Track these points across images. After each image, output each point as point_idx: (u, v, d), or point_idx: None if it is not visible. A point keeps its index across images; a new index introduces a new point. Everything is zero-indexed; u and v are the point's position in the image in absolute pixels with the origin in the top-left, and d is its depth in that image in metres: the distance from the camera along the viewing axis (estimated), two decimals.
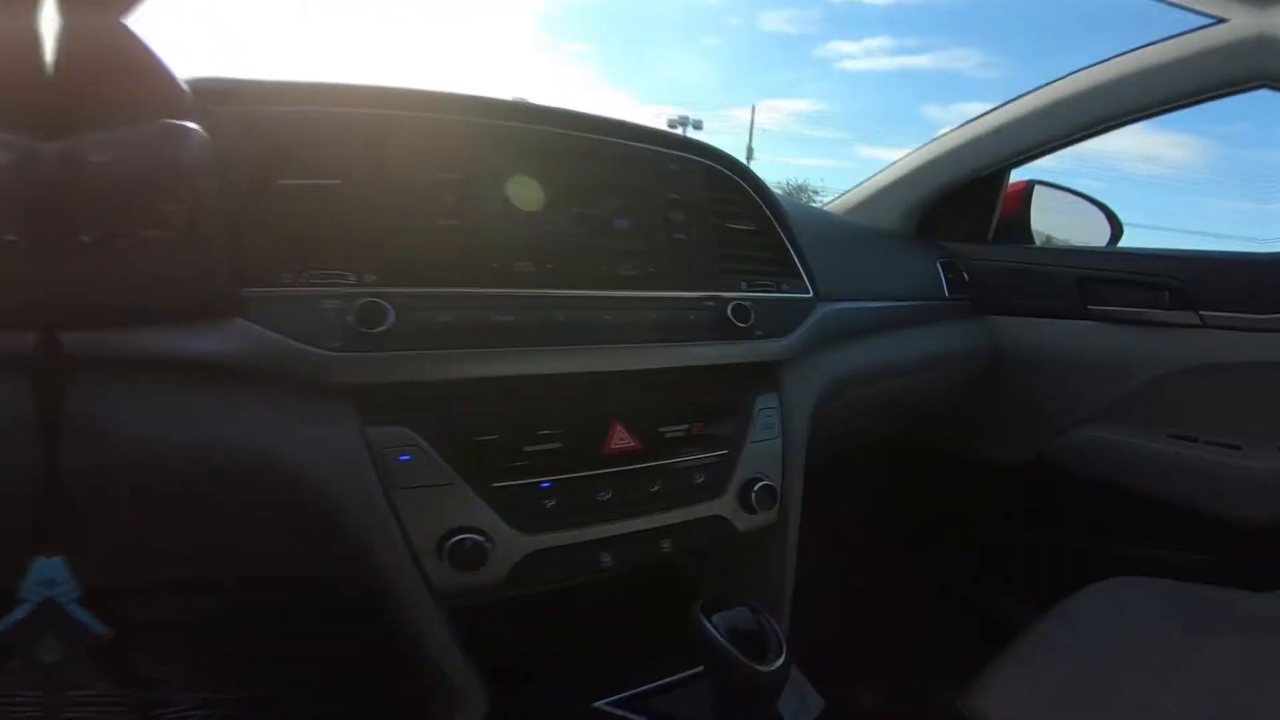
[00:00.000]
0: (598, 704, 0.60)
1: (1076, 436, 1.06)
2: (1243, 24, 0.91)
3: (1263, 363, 0.94)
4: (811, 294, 0.75)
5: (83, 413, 0.44)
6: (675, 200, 0.66)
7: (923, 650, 1.08)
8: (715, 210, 0.69)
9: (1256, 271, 0.98)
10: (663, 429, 0.60)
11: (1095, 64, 1.03)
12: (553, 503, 0.55)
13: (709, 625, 0.51)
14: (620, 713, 0.61)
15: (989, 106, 1.12)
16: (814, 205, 1.31)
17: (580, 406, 0.57)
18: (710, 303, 0.65)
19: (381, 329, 0.48)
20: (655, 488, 0.59)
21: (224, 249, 0.46)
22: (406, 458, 0.50)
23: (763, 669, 0.49)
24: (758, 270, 0.71)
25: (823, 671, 0.69)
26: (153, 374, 0.45)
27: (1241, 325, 0.95)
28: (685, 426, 0.61)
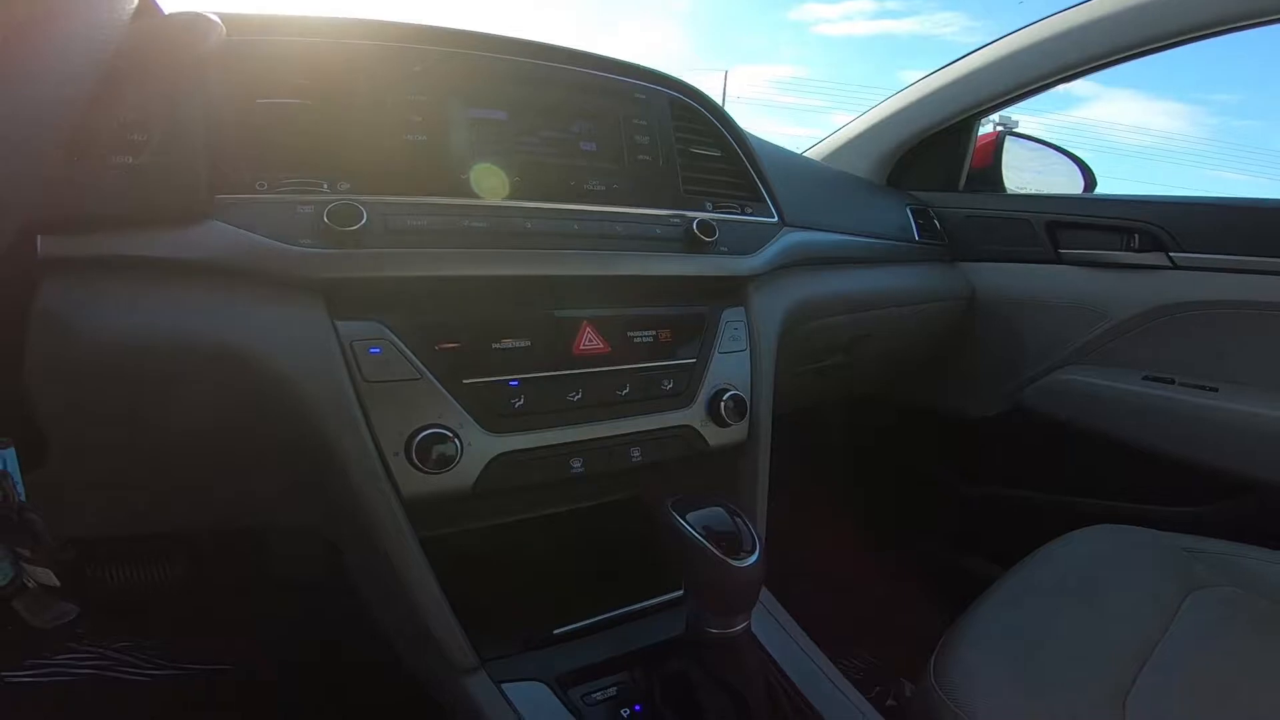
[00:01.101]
0: (558, 630, 0.61)
1: (1052, 380, 1.09)
2: None
3: (1236, 301, 0.97)
4: (777, 219, 0.77)
5: (52, 308, 0.45)
6: (641, 126, 0.69)
7: (900, 607, 1.09)
8: (680, 137, 0.72)
9: (1225, 215, 1.01)
10: (631, 334, 0.61)
11: (1059, 11, 1.05)
12: (521, 401, 0.56)
13: (682, 520, 0.51)
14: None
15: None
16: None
17: (549, 309, 0.59)
18: (676, 220, 0.67)
19: (355, 228, 0.50)
20: (624, 391, 0.60)
21: (203, 160, 0.48)
22: (376, 350, 0.51)
23: (737, 563, 0.49)
24: (723, 193, 0.74)
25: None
26: (124, 272, 0.47)
27: (1211, 266, 0.98)
28: (653, 333, 0.62)
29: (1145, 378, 1.02)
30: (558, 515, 0.70)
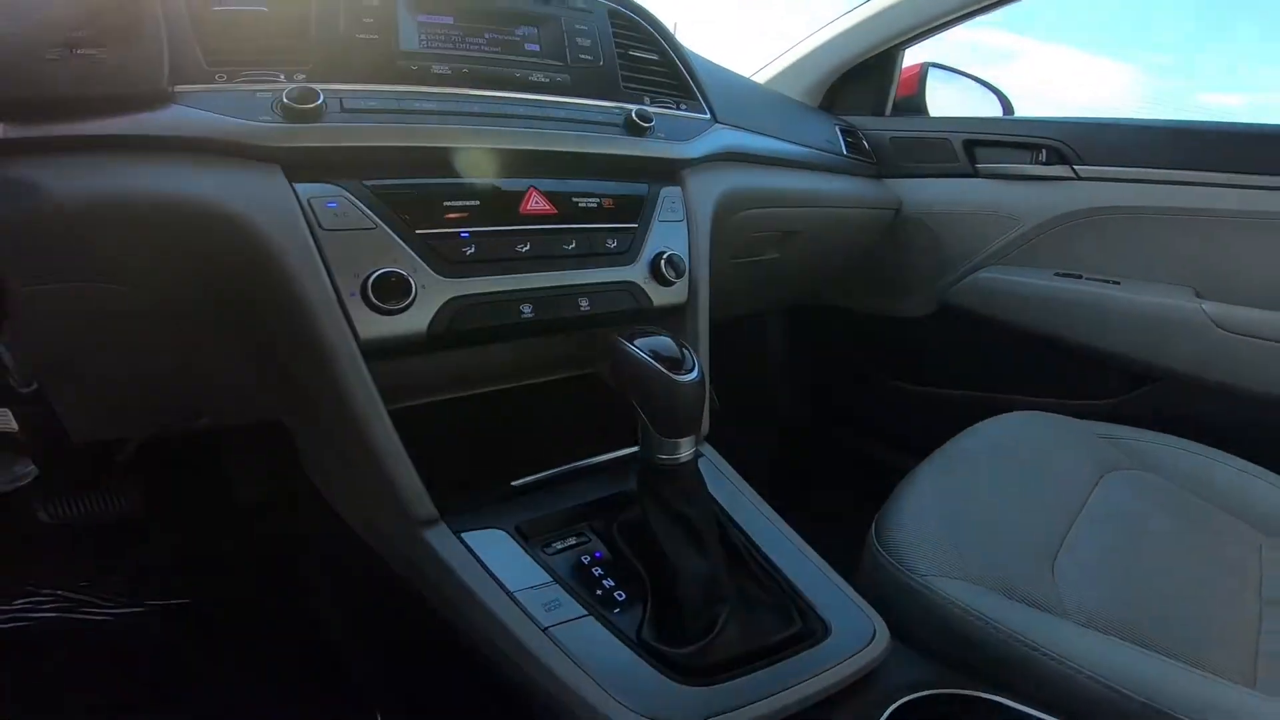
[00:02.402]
0: (516, 482, 0.65)
1: (974, 280, 1.20)
2: None
3: (1132, 207, 1.08)
4: (709, 116, 0.86)
5: (15, 175, 0.48)
6: (582, 30, 0.76)
7: (838, 492, 1.19)
8: (619, 41, 0.79)
9: (1120, 133, 1.12)
10: (576, 199, 0.68)
11: None
12: (472, 249, 0.61)
13: (629, 344, 0.56)
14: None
15: None
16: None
17: (498, 174, 0.65)
18: (616, 110, 0.75)
19: (312, 106, 0.56)
20: (570, 246, 0.67)
21: (162, 53, 0.53)
22: (333, 204, 0.57)
23: (680, 378, 0.54)
24: (659, 91, 0.82)
25: None
26: (89, 150, 0.51)
27: (1109, 177, 1.09)
28: (597, 200, 0.69)
29: (1055, 274, 1.13)
30: (516, 390, 0.75)
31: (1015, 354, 1.18)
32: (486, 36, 0.69)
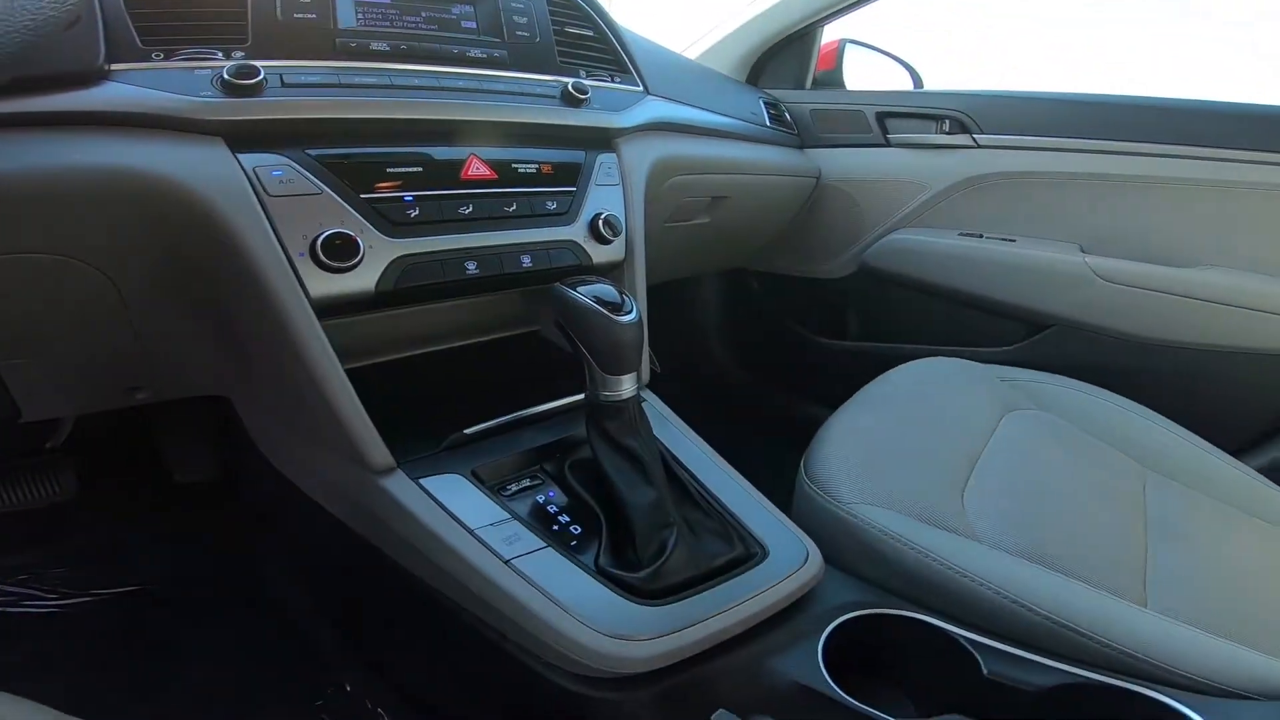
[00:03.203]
0: (468, 430, 0.67)
1: (888, 242, 1.27)
2: None
3: (1025, 171, 1.16)
4: (641, 88, 0.89)
5: None
6: (518, 8, 0.77)
7: (769, 433, 1.25)
8: (555, 18, 0.81)
9: (1015, 104, 1.20)
10: (516, 164, 0.70)
11: None
12: (416, 211, 0.63)
13: (573, 290, 0.59)
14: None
15: None
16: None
17: (439, 143, 0.66)
18: (552, 83, 0.77)
19: (252, 81, 0.56)
20: (511, 208, 0.69)
21: (97, 32, 0.52)
22: (279, 173, 0.57)
23: (620, 318, 0.58)
24: (594, 65, 0.84)
25: None
26: (26, 127, 0.50)
27: (1005, 145, 1.18)
28: (536, 166, 0.72)
29: (960, 234, 1.21)
30: (463, 348, 0.77)
31: (927, 308, 1.26)
32: (424, 15, 0.70)
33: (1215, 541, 0.73)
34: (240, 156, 0.56)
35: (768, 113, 1.23)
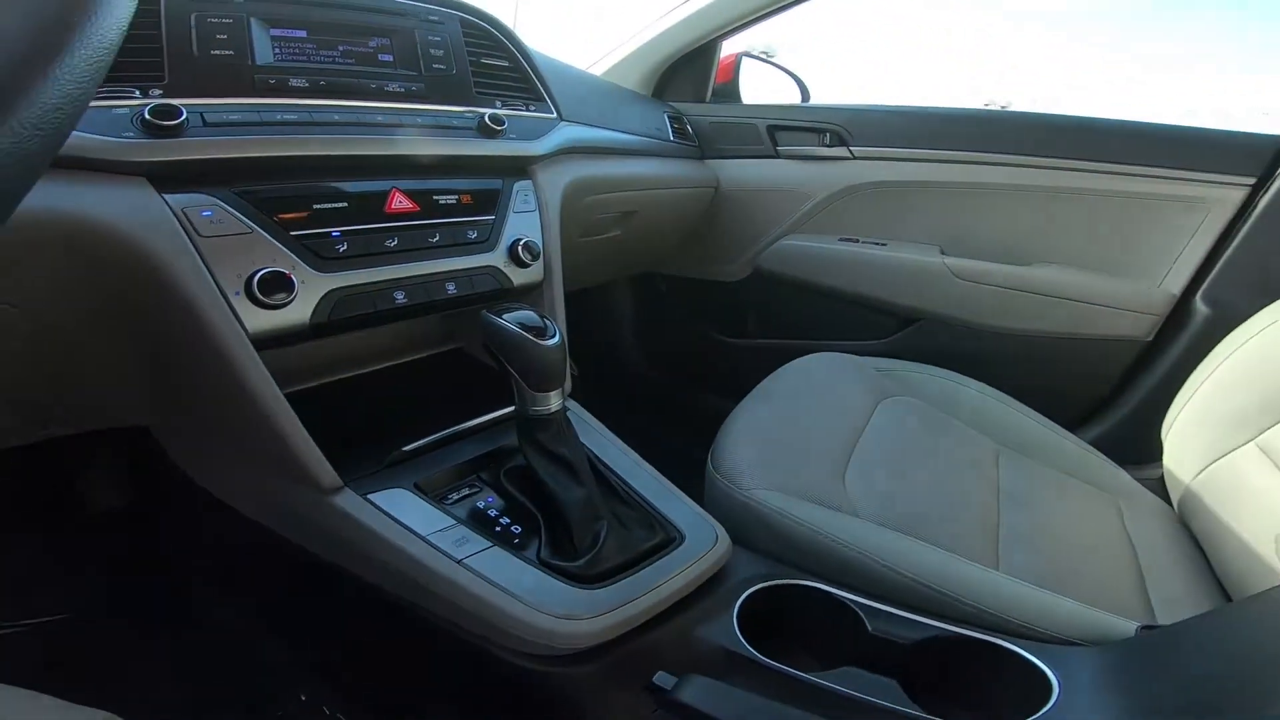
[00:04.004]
0: (407, 447, 0.69)
1: (779, 247, 1.36)
2: None
3: (894, 181, 1.27)
4: (556, 115, 0.91)
5: None
6: (435, 41, 0.78)
7: (679, 426, 1.32)
8: (471, 50, 0.82)
9: (886, 118, 1.30)
10: (437, 197, 0.72)
11: None
12: (345, 247, 0.65)
13: (499, 318, 0.62)
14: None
15: None
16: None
17: (362, 178, 0.68)
18: (470, 114, 0.79)
19: (173, 122, 0.56)
20: (435, 239, 0.71)
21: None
22: (208, 214, 0.57)
23: (544, 342, 0.62)
24: (509, 95, 0.86)
25: None
26: None
27: (877, 156, 1.28)
28: (456, 197, 0.74)
29: (839, 239, 1.31)
30: (393, 368, 0.79)
31: (815, 306, 1.35)
32: (341, 49, 0.70)
33: (1055, 507, 0.83)
34: (166, 197, 0.55)
35: (671, 127, 1.28)
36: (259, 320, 0.59)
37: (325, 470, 0.61)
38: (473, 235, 0.74)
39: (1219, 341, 0.87)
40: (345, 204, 0.65)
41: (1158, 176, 1.13)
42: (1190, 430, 0.87)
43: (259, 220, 0.60)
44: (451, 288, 0.72)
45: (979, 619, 0.63)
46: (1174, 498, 0.89)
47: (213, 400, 0.63)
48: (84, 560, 1.00)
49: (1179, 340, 1.12)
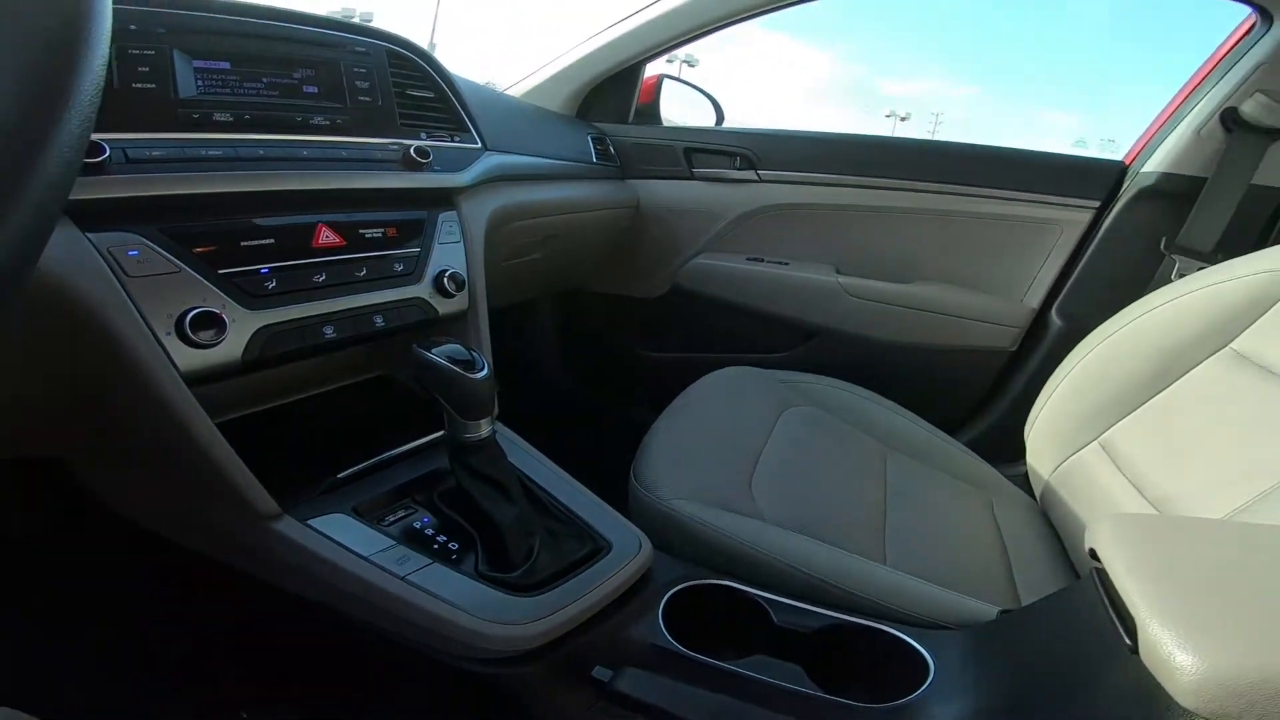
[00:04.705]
0: (341, 474, 0.70)
1: (693, 265, 1.41)
2: None
3: (797, 203, 1.35)
4: (480, 145, 0.93)
5: None
6: (361, 73, 0.78)
7: (603, 438, 1.35)
8: (397, 81, 0.82)
9: (790, 143, 1.38)
10: (363, 231, 0.73)
11: None
12: (273, 284, 0.64)
13: (427, 352, 0.64)
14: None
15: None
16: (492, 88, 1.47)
17: (289, 213, 0.67)
18: (395, 147, 0.79)
19: (97, 159, 0.54)
20: (362, 273, 0.72)
21: None
22: (134, 253, 0.56)
23: (473, 375, 0.64)
24: (434, 126, 0.87)
25: None
26: None
27: (782, 180, 1.35)
28: (381, 230, 0.74)
29: (747, 259, 1.37)
30: (326, 394, 0.79)
31: (725, 322, 1.40)
32: (265, 80, 0.69)
33: (935, 504, 0.92)
34: (90, 235, 0.54)
35: (594, 148, 1.31)
36: (191, 359, 0.58)
37: (264, 498, 0.62)
38: (399, 268, 0.75)
39: (1070, 350, 0.98)
40: (273, 240, 0.65)
41: (1020, 200, 1.26)
42: (1047, 431, 0.98)
43: (187, 259, 0.59)
44: (379, 320, 0.73)
45: (869, 608, 0.69)
46: (1036, 492, 1.00)
47: (145, 436, 0.62)
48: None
49: (1038, 350, 1.25)
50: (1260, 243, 1.12)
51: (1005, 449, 1.11)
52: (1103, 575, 0.46)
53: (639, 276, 1.47)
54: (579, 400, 1.60)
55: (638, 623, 0.66)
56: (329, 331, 0.68)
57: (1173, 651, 0.37)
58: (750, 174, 1.36)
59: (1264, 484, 0.64)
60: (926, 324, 1.29)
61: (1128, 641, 0.41)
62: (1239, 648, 0.37)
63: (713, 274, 1.40)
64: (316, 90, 0.73)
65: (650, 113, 1.50)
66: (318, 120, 0.72)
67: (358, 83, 0.77)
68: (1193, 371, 0.86)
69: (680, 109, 1.61)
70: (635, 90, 1.46)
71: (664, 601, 0.68)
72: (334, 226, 0.70)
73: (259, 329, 0.63)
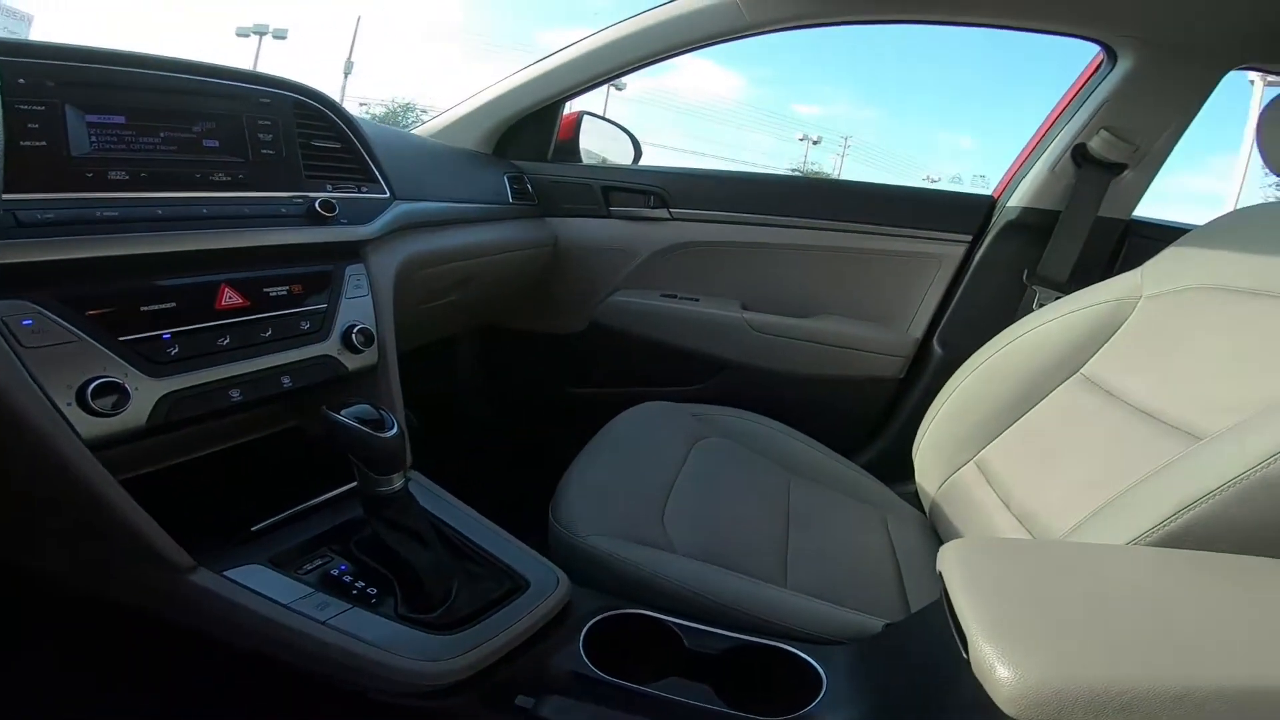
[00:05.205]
0: (256, 527, 0.70)
1: (611, 301, 1.44)
2: None
3: (707, 241, 1.41)
4: (389, 194, 0.92)
5: None
6: (265, 125, 0.76)
7: (525, 474, 1.37)
8: (302, 133, 0.81)
9: (696, 182, 1.44)
10: (267, 289, 0.72)
11: (625, 19, 1.30)
12: (176, 349, 0.63)
13: (335, 414, 0.65)
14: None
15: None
16: (403, 129, 1.46)
17: (189, 275, 0.66)
18: (299, 200, 0.78)
19: None
20: (267, 333, 0.70)
21: None
22: (29, 322, 0.53)
23: (382, 434, 0.65)
24: (341, 177, 0.86)
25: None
26: None
27: (693, 218, 1.41)
28: (286, 288, 0.73)
29: (661, 295, 1.42)
30: (238, 447, 0.78)
31: (643, 357, 1.43)
32: (162, 135, 0.66)
33: (834, 525, 0.98)
34: None
35: (511, 188, 1.31)
36: (93, 427, 0.56)
37: (177, 552, 0.61)
38: (305, 325, 0.74)
39: (949, 377, 1.06)
40: (174, 303, 0.63)
41: (903, 235, 1.36)
42: (931, 453, 1.06)
43: (85, 327, 0.56)
44: (287, 380, 0.72)
45: (771, 629, 0.73)
46: (925, 508, 1.07)
47: (52, 501, 0.60)
48: None
49: (922, 377, 1.35)
50: (1106, 272, 1.23)
51: (897, 470, 1.18)
52: (946, 594, 0.51)
53: (559, 313, 1.49)
54: (503, 434, 1.60)
55: (560, 653, 0.69)
56: (235, 395, 0.67)
57: (995, 664, 0.42)
58: (663, 212, 1.41)
59: (1100, 499, 0.72)
60: (824, 356, 1.37)
61: (964, 655, 0.46)
62: (1049, 661, 0.42)
63: (630, 310, 1.43)
64: (217, 144, 0.71)
65: (570, 149, 1.51)
66: (218, 176, 0.71)
67: (260, 135, 0.75)
68: (1051, 395, 0.95)
69: (600, 140, 1.63)
70: (555, 127, 1.46)
71: (584, 631, 0.70)
72: (237, 286, 0.69)
73: (163, 396, 0.61)
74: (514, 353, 1.57)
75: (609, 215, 1.43)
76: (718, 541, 0.85)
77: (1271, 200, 1.15)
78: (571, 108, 1.49)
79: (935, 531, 1.05)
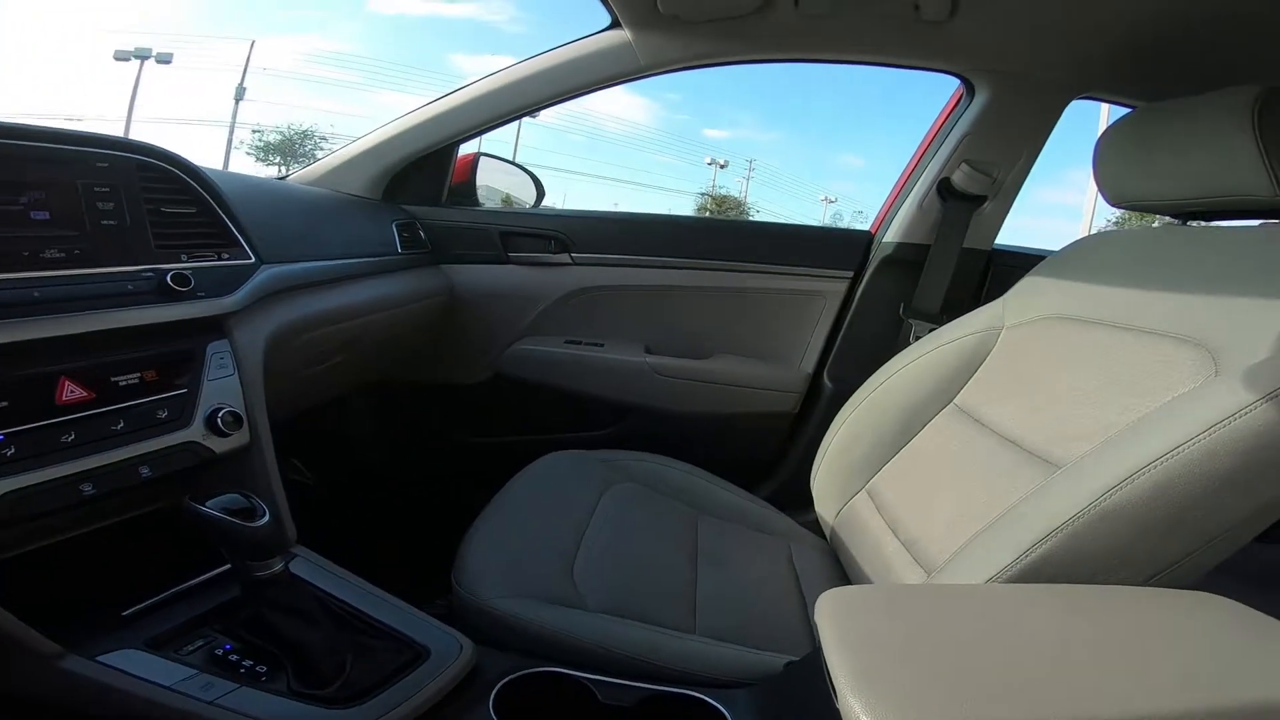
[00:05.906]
0: (126, 612, 0.65)
1: (513, 350, 1.41)
2: (618, 35, 1.23)
3: (610, 286, 1.40)
4: (254, 259, 0.84)
5: None
6: (104, 192, 0.69)
7: (428, 529, 1.32)
8: (150, 197, 0.74)
9: (596, 225, 1.43)
10: (115, 378, 0.65)
11: (519, 62, 1.28)
12: (12, 450, 0.57)
13: (200, 506, 0.61)
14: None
15: (513, 60, 1.31)
16: (277, 180, 1.38)
17: (23, 367, 0.59)
18: (149, 274, 0.70)
19: None
20: (119, 426, 0.64)
21: None
22: None
23: (253, 524, 0.62)
24: (197, 244, 0.78)
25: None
26: None
27: (593, 262, 1.40)
28: (138, 375, 0.67)
29: (565, 341, 1.40)
30: (103, 530, 0.70)
31: (548, 404, 1.41)
32: None
33: (740, 561, 0.98)
34: None
35: (400, 236, 1.25)
36: None
37: (39, 639, 0.57)
38: (163, 414, 0.67)
39: (839, 410, 1.10)
40: (6, 402, 0.57)
41: (791, 274, 1.41)
42: (827, 482, 1.09)
43: None
44: (146, 471, 0.65)
45: (679, 677, 0.74)
46: (826, 535, 1.11)
47: None
48: None
49: (815, 411, 1.39)
50: (974, 302, 1.29)
51: (798, 499, 1.21)
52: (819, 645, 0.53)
53: (459, 363, 1.44)
54: (403, 487, 1.53)
55: (469, 716, 0.67)
56: (88, 489, 0.61)
57: (860, 717, 0.44)
58: (564, 257, 1.40)
59: (972, 529, 0.76)
60: (724, 395, 1.40)
61: (836, 706, 0.48)
62: (910, 714, 0.44)
63: (533, 358, 1.41)
64: (47, 215, 0.64)
65: (466, 192, 1.46)
66: (50, 252, 0.63)
67: (99, 204, 0.68)
68: (928, 426, 1.01)
69: (506, 178, 1.60)
70: (449, 170, 1.41)
71: (494, 693, 0.69)
72: (79, 378, 0.62)
73: (3, 495, 0.56)
74: (413, 405, 1.50)
75: (508, 261, 1.40)
76: (628, 592, 0.85)
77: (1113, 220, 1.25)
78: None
79: (837, 557, 1.08)
